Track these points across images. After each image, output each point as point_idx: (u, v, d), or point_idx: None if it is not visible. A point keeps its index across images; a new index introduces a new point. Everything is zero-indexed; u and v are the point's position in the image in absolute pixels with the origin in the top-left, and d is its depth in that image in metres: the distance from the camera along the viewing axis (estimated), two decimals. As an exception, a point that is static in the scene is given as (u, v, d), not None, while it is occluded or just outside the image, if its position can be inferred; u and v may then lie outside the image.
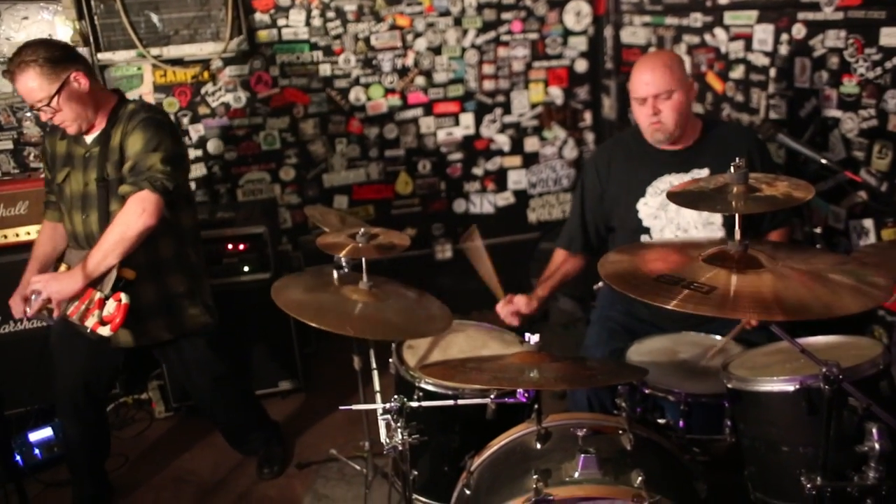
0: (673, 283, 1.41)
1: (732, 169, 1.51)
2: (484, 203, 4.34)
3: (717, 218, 2.42)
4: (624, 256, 1.75)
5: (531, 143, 4.33)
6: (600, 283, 2.82)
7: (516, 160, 4.33)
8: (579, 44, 4.24)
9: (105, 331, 2.38)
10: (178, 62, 3.71)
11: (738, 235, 1.53)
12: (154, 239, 2.51)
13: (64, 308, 2.47)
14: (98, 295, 2.42)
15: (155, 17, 3.57)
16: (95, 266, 2.40)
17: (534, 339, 1.88)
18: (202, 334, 2.74)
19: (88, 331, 2.42)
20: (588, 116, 4.37)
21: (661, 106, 2.38)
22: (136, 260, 2.48)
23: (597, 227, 2.66)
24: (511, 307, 2.49)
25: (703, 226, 2.44)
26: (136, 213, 2.39)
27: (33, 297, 2.46)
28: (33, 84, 2.36)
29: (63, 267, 2.62)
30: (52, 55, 2.38)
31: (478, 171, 4.28)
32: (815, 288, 1.47)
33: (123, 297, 2.39)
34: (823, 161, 2.28)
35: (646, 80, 2.38)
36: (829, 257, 1.72)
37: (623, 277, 1.53)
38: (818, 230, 2.53)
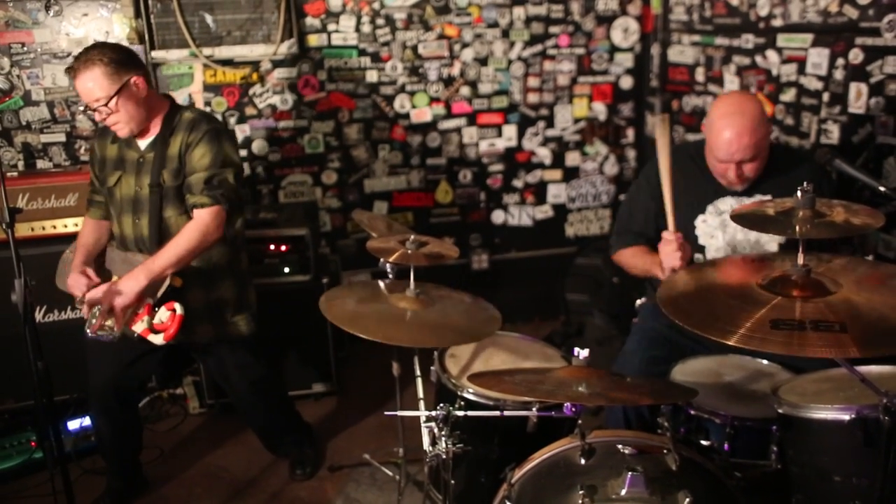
0: (795, 329, 1.41)
1: (799, 193, 1.50)
2: (522, 215, 4.34)
3: (774, 244, 2.39)
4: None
5: (572, 158, 4.32)
6: (642, 299, 2.79)
7: (557, 174, 4.32)
8: (625, 60, 4.24)
9: (157, 339, 2.39)
10: (228, 63, 3.77)
11: (801, 259, 1.51)
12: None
13: (125, 319, 2.43)
14: (147, 300, 2.43)
15: (209, 18, 3.64)
16: (165, 267, 2.42)
17: (583, 353, 1.87)
18: (244, 340, 2.75)
19: (136, 336, 2.43)
20: (631, 133, 4.36)
21: (746, 167, 2.32)
22: (189, 265, 2.51)
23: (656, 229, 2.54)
24: (682, 248, 2.25)
25: (759, 251, 2.40)
26: (214, 226, 2.46)
27: (95, 312, 2.45)
28: (95, 83, 2.40)
29: (114, 277, 2.57)
30: (118, 57, 2.43)
31: (518, 183, 4.29)
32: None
33: (178, 307, 2.40)
34: (882, 189, 2.25)
35: (732, 148, 2.27)
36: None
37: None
38: (870, 258, 2.49)
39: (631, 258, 2.58)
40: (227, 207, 2.50)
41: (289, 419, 3.09)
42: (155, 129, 2.57)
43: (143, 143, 2.59)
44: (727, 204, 2.43)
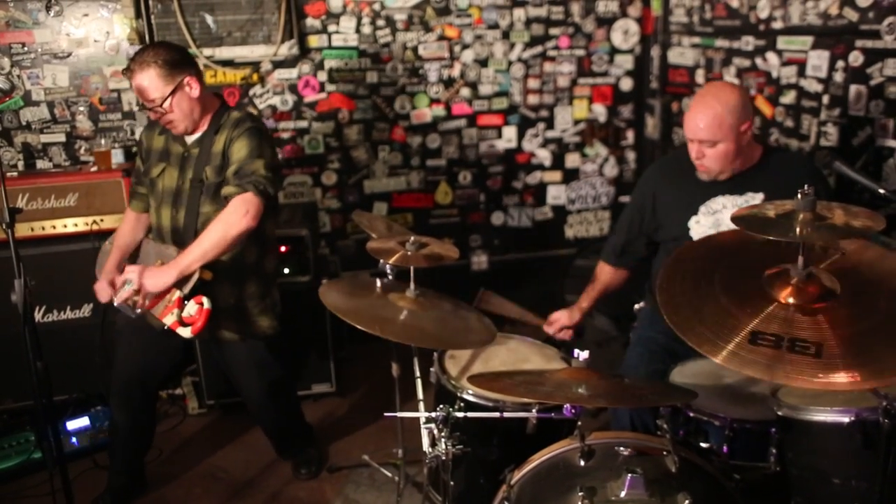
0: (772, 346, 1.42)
1: (799, 196, 1.50)
2: (522, 217, 4.34)
3: None
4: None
5: (572, 160, 4.32)
6: (641, 304, 2.80)
7: (556, 175, 4.33)
8: (625, 62, 4.24)
9: (185, 332, 2.40)
10: (228, 63, 3.77)
11: (800, 262, 1.51)
12: (240, 244, 2.54)
13: (158, 308, 2.48)
14: (178, 294, 2.44)
15: (209, 19, 3.64)
16: (191, 263, 2.41)
17: (583, 355, 1.87)
18: (267, 339, 2.77)
19: (166, 328, 2.44)
20: (630, 135, 4.36)
21: (706, 151, 2.38)
22: (219, 262, 2.51)
23: (644, 243, 2.65)
24: (557, 325, 2.55)
25: None
26: (239, 214, 2.42)
27: (126, 285, 2.45)
28: (150, 84, 2.44)
29: (158, 262, 2.58)
30: (171, 58, 2.46)
31: (518, 184, 4.29)
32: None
33: (206, 301, 2.40)
34: (881, 191, 2.25)
35: (693, 125, 2.36)
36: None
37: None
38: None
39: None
40: (258, 196, 2.44)
41: (298, 421, 3.11)
42: (204, 125, 2.60)
43: (190, 139, 2.62)
44: (719, 203, 2.45)
